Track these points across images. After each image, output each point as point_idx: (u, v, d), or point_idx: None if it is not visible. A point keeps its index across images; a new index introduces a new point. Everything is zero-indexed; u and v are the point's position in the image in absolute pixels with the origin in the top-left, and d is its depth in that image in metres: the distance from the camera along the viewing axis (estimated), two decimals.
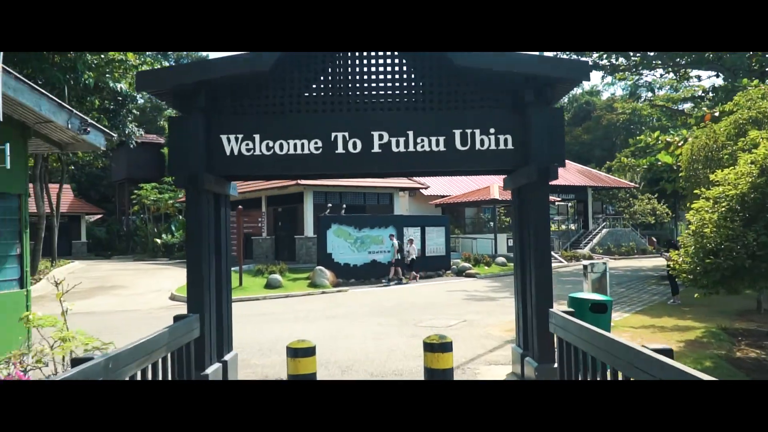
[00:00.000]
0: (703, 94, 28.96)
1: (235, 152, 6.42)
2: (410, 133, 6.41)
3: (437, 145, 6.41)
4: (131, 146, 27.96)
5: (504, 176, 7.34)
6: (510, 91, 6.39)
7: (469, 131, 6.40)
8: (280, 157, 6.41)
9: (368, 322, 12.13)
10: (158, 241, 33.04)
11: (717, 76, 27.08)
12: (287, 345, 5.49)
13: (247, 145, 6.42)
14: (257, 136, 6.42)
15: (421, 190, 29.46)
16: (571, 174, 36.80)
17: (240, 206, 21.12)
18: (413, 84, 6.51)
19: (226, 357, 6.84)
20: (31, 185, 25.74)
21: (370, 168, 6.47)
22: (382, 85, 6.54)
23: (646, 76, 32.11)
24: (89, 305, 15.85)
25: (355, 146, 6.40)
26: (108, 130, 7.44)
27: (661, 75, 31.98)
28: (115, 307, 15.56)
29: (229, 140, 6.43)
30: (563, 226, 37.00)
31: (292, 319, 12.79)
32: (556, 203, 33.46)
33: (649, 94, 39.29)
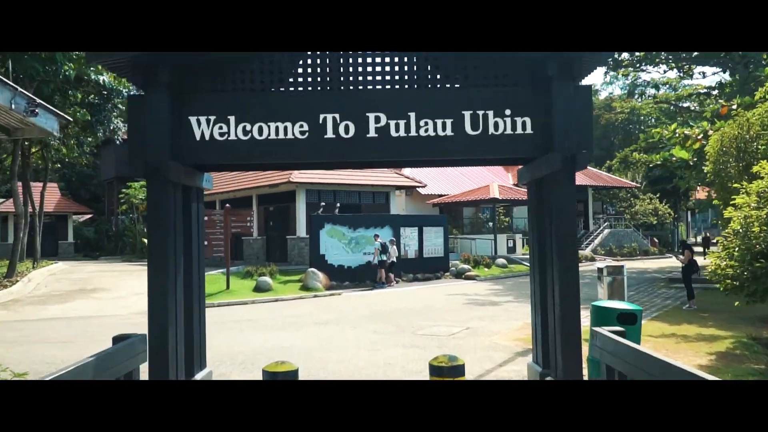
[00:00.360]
0: (707, 90, 28.14)
1: (206, 137, 5.46)
2: (412, 115, 5.45)
3: (443, 128, 5.45)
4: (118, 143, 26.97)
5: (518, 167, 6.40)
6: (530, 65, 5.44)
7: (480, 113, 5.45)
8: (260, 143, 5.45)
9: (362, 329, 11.17)
10: (146, 241, 31.95)
11: (723, 71, 26.24)
12: (263, 368, 4.53)
13: (221, 128, 5.46)
14: (232, 118, 5.46)
15: (418, 189, 28.51)
16: None
17: (228, 204, 20.15)
18: (415, 57, 5.55)
19: (198, 376, 5.89)
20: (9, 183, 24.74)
21: (365, 155, 5.51)
22: (378, 60, 5.59)
23: (650, 72, 31.29)
24: (65, 310, 14.83)
25: (347, 130, 5.44)
26: (63, 114, 6.46)
27: (664, 71, 31.15)
28: (93, 312, 14.54)
29: (199, 122, 5.47)
30: None
31: (280, 326, 11.81)
32: None
33: (653, 91, 38.45)
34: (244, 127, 5.46)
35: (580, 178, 35.55)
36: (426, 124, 5.45)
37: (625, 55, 26.77)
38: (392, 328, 11.23)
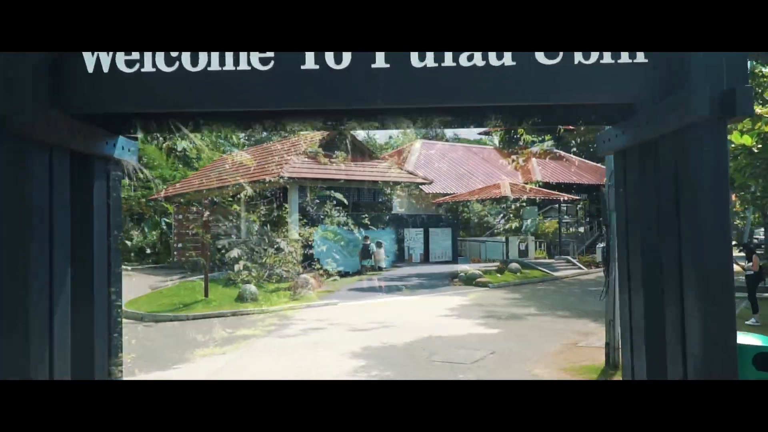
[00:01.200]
0: None
1: (105, 68, 3.29)
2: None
3: (500, 55, 3.27)
4: None
5: (605, 127, 4.16)
6: None
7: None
8: (194, 78, 3.28)
9: (362, 353, 8.94)
10: (128, 243, 29.81)
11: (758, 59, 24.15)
12: None
13: (129, 54, 3.28)
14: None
15: (422, 187, 26.31)
16: (583, 171, 33.71)
17: (206, 201, 17.96)
18: None
19: None
20: None
21: (369, 99, 3.30)
22: None
23: None
24: None
25: (338, 57, 3.26)
26: None
27: None
28: None
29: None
30: (572, 229, 33.91)
31: (261, 350, 9.57)
32: (562, 204, 30.12)
33: None
34: (167, 53, 3.28)
35: (594, 178, 33.37)
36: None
37: None
38: (399, 351, 9.02)
